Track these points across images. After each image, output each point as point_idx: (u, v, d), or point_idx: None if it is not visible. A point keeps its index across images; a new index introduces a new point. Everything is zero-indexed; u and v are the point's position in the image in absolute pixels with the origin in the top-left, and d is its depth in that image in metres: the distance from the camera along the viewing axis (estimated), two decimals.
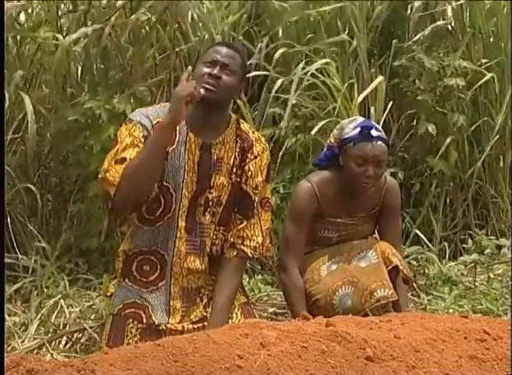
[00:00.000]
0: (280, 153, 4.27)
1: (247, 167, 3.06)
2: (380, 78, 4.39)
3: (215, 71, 2.91)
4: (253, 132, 3.14)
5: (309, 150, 4.35)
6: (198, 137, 2.99)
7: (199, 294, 3.05)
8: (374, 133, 3.23)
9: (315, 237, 3.35)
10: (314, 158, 3.68)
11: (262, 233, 3.08)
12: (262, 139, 3.15)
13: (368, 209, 3.38)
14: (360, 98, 4.26)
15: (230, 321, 3.00)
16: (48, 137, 4.28)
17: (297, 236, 3.30)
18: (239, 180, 3.06)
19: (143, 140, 2.90)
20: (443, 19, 4.89)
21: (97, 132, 3.94)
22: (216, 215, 3.05)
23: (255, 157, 3.07)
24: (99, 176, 2.94)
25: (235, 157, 3.04)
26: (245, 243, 3.05)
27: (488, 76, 4.65)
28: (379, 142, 3.24)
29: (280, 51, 4.43)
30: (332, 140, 3.37)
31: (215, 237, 3.06)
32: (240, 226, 3.06)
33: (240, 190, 3.07)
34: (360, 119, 3.38)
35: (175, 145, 2.96)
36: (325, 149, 3.44)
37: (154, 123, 2.93)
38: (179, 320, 2.97)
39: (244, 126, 3.12)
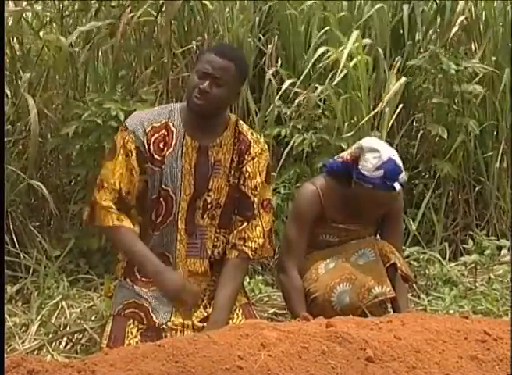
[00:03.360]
0: (285, 152, 4.29)
1: (244, 168, 3.06)
2: (403, 79, 4.39)
3: (205, 85, 2.89)
4: (251, 133, 3.13)
5: (314, 150, 4.36)
6: (195, 139, 3.00)
7: (201, 296, 3.05)
8: (397, 186, 3.15)
9: (316, 240, 3.34)
10: (323, 162, 3.53)
11: (264, 234, 3.08)
12: (261, 140, 3.15)
13: (372, 216, 3.36)
14: (386, 98, 4.24)
15: (231, 322, 3.00)
16: (53, 137, 4.29)
17: (298, 238, 3.29)
18: (237, 181, 3.06)
19: (134, 152, 2.95)
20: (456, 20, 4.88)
21: (111, 133, 3.92)
22: (216, 217, 3.06)
23: (253, 158, 3.07)
24: (94, 198, 3.00)
25: (232, 159, 3.05)
26: (246, 244, 3.05)
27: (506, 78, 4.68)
28: (398, 189, 3.18)
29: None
30: (349, 157, 3.26)
31: (216, 239, 3.07)
32: (240, 228, 3.07)
33: (239, 191, 3.07)
34: (385, 152, 3.18)
35: (172, 148, 2.98)
36: (338, 159, 3.33)
37: (147, 129, 2.97)
38: (180, 319, 2.97)
39: (243, 127, 3.12)
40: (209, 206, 3.03)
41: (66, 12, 4.40)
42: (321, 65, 4.39)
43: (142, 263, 2.97)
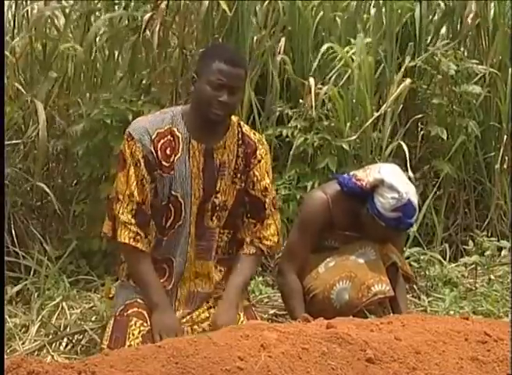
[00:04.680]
0: (286, 152, 4.29)
1: (252, 173, 3.08)
2: (408, 80, 4.39)
3: (224, 97, 2.88)
4: (254, 134, 3.14)
5: (316, 151, 4.35)
6: (200, 143, 2.99)
7: (204, 300, 3.06)
8: (410, 230, 3.17)
9: (320, 244, 3.33)
10: (337, 176, 3.43)
11: (277, 232, 3.15)
12: (263, 140, 3.18)
13: (375, 239, 3.30)
14: (390, 100, 4.25)
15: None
16: (59, 137, 4.29)
17: (301, 245, 3.29)
18: (243, 185, 3.08)
19: (142, 160, 2.93)
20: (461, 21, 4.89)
21: (117, 133, 3.92)
22: (222, 219, 3.07)
23: (259, 161, 3.09)
24: (114, 212, 2.97)
25: (238, 162, 3.06)
26: (263, 242, 3.11)
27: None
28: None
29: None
30: (368, 186, 3.19)
31: (219, 239, 3.10)
32: (255, 229, 3.11)
33: (249, 195, 3.09)
34: (405, 193, 3.13)
35: (179, 154, 2.98)
36: (354, 180, 3.24)
37: (153, 137, 2.95)
38: (183, 320, 2.98)
39: (246, 128, 3.13)
40: (217, 208, 3.05)
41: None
42: (332, 65, 4.41)
43: (146, 292, 2.96)
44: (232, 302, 3.00)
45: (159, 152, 2.95)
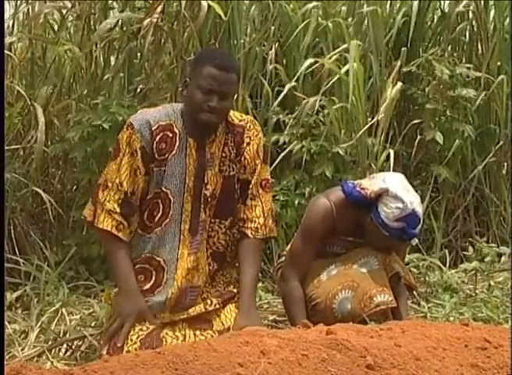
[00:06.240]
0: (284, 159, 4.28)
1: (242, 158, 3.07)
2: (399, 85, 4.39)
3: (214, 103, 2.90)
4: (240, 116, 3.12)
5: (313, 158, 4.35)
6: (195, 140, 3.01)
7: (198, 292, 3.04)
8: (414, 241, 3.18)
9: (322, 250, 3.31)
10: (342, 183, 3.38)
11: (264, 214, 3.09)
12: (255, 122, 3.15)
13: (377, 248, 3.27)
14: (383, 108, 4.24)
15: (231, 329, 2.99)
16: (58, 142, 4.29)
17: (305, 252, 3.27)
18: (232, 173, 3.06)
19: (139, 151, 2.96)
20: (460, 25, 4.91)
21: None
22: (211, 208, 3.05)
23: (248, 144, 3.08)
24: (97, 198, 2.99)
25: (225, 150, 3.04)
26: (246, 225, 3.08)
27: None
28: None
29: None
30: (373, 195, 3.17)
31: (210, 229, 3.07)
32: (239, 209, 3.09)
33: (239, 180, 3.08)
34: (409, 204, 3.10)
35: (175, 151, 2.99)
36: (358, 188, 3.21)
37: (154, 128, 2.97)
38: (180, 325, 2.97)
39: (233, 117, 3.09)
40: (209, 199, 3.03)
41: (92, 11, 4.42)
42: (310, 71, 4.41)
43: (118, 278, 3.01)
44: (250, 309, 3.02)
45: (155, 144, 2.97)
